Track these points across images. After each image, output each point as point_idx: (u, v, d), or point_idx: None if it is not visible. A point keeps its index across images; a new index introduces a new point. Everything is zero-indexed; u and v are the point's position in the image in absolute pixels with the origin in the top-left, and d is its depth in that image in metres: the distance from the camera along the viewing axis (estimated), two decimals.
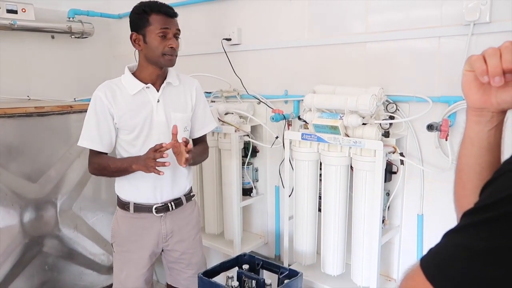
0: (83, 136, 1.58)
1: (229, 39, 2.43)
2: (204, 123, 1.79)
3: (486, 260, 0.49)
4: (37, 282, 2.11)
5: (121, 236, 1.71)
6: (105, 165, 1.59)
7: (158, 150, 1.45)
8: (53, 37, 2.87)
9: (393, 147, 1.76)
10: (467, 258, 0.51)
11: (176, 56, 1.60)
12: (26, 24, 2.60)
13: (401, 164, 1.81)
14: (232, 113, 2.32)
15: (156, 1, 1.55)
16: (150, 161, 1.46)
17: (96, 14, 2.95)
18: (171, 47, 1.54)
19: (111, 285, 1.77)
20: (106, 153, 1.62)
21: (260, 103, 2.35)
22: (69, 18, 2.84)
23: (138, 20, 1.55)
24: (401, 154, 1.77)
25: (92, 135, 1.57)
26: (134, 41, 1.58)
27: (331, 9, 2.06)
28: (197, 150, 1.71)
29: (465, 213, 0.57)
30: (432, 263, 0.55)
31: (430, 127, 1.61)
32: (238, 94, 2.43)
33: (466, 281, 0.50)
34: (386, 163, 1.78)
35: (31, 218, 2.07)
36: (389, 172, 1.87)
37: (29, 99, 2.71)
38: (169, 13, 1.55)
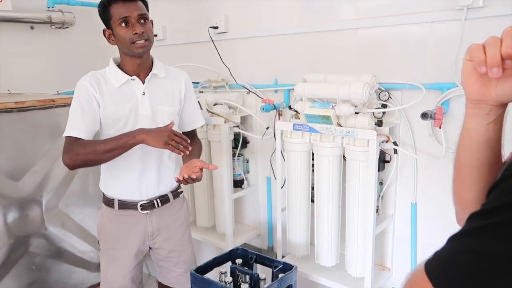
0: (68, 127, 1.47)
1: (216, 27, 2.36)
2: (196, 117, 1.73)
3: (493, 265, 0.47)
4: (24, 282, 2.05)
5: (106, 233, 1.67)
6: (91, 149, 1.41)
7: (176, 135, 1.39)
8: (32, 27, 2.75)
9: (387, 136, 1.73)
10: (473, 263, 0.48)
11: (148, 41, 1.49)
12: (3, 14, 2.49)
13: (394, 153, 1.78)
14: (221, 104, 2.26)
15: None
16: (170, 136, 1.36)
17: (77, 3, 2.84)
18: (135, 33, 1.45)
19: None
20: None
21: (249, 93, 2.30)
22: (49, 7, 2.72)
23: (103, 14, 1.49)
24: (395, 143, 1.74)
25: (77, 124, 1.46)
26: (108, 38, 1.52)
27: None
28: (194, 146, 1.63)
29: (471, 215, 0.54)
30: (437, 267, 0.52)
31: (424, 116, 1.58)
32: (227, 84, 2.37)
33: (472, 287, 0.48)
34: (379, 152, 1.75)
35: (16, 217, 2.00)
36: (382, 161, 1.84)
37: (10, 93, 2.61)
38: None
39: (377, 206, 1.82)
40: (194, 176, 1.43)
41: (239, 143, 2.33)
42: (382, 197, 1.88)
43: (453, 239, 0.54)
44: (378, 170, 1.75)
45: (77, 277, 2.27)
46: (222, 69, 2.33)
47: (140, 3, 1.49)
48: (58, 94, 2.80)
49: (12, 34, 2.65)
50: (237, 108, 2.28)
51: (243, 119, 2.31)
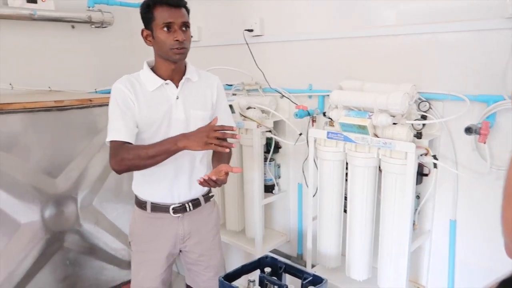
0: (110, 131, 1.47)
1: (251, 30, 2.34)
2: (226, 122, 1.71)
3: None
4: (59, 277, 2.12)
5: (138, 236, 1.68)
6: (135, 155, 1.40)
7: (216, 130, 1.35)
8: (73, 27, 2.83)
9: (426, 149, 1.66)
10: None
11: (186, 49, 1.49)
12: (46, 14, 2.56)
13: (434, 167, 1.70)
14: (254, 108, 2.24)
15: None
16: (211, 133, 1.33)
17: (115, 3, 2.89)
18: (177, 40, 1.44)
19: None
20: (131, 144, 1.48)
21: (283, 97, 2.26)
22: (89, 7, 2.78)
23: (145, 15, 1.47)
24: (434, 157, 1.66)
25: (118, 127, 1.46)
26: (145, 38, 1.51)
27: None
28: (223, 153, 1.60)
29: None
30: None
31: (468, 130, 1.50)
32: (260, 87, 2.34)
33: None
34: (418, 165, 1.67)
35: (52, 213, 2.06)
36: (420, 174, 1.77)
37: (50, 90, 2.70)
38: (173, 3, 1.44)
39: (414, 221, 1.75)
40: (214, 178, 1.39)
41: (271, 148, 2.30)
42: (419, 212, 1.81)
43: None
44: (416, 184, 1.68)
45: (109, 274, 2.32)
46: (256, 72, 2.30)
47: (184, 10, 1.48)
48: (96, 92, 2.87)
49: (54, 33, 2.73)
50: (270, 112, 2.25)
51: (276, 124, 2.28)
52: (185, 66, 1.59)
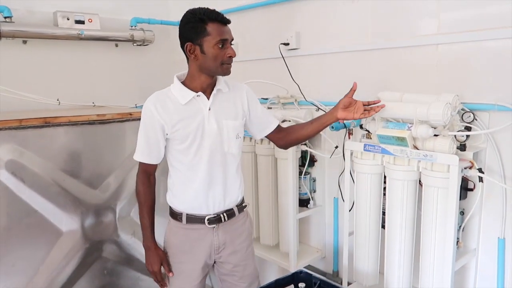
0: (136, 149, 1.61)
1: (287, 44, 2.35)
2: (267, 121, 1.74)
3: None
4: (96, 285, 2.17)
5: (173, 247, 1.70)
6: (139, 205, 1.69)
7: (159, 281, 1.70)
8: (116, 45, 2.96)
9: (470, 161, 1.58)
10: None
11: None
12: (92, 33, 2.70)
13: (479, 181, 1.61)
14: (289, 121, 2.22)
15: (210, 9, 1.49)
16: (153, 274, 1.69)
17: (156, 22, 3.01)
18: (230, 56, 1.50)
19: None
20: (154, 170, 1.68)
21: (318, 110, 2.24)
22: (132, 26, 2.92)
23: (194, 29, 1.48)
24: (480, 170, 1.57)
25: (142, 149, 1.59)
26: (189, 51, 1.52)
27: (397, 8, 1.90)
28: (295, 126, 1.76)
29: None
30: None
31: None
32: (296, 100, 2.33)
33: None
34: (462, 179, 1.59)
35: (92, 223, 2.12)
36: (464, 188, 1.68)
37: (94, 106, 2.82)
38: (225, 20, 1.50)
39: (458, 239, 1.66)
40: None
41: (306, 161, 2.27)
42: (463, 229, 1.70)
43: None
44: (460, 199, 1.59)
45: (144, 285, 2.34)
46: (292, 85, 2.30)
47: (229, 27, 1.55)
48: (136, 107, 2.97)
49: (99, 51, 2.87)
50: None
51: None
52: (216, 78, 1.61)
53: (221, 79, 1.62)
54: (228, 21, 1.51)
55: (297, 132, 1.71)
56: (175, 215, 1.67)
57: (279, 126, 1.76)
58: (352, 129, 2.07)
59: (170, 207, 1.69)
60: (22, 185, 1.90)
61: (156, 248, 1.67)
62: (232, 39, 1.52)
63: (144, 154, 1.59)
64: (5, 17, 2.37)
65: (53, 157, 2.00)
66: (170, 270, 1.67)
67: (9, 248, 1.89)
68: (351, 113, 1.58)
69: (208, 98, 1.57)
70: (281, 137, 1.74)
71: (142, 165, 1.63)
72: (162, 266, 1.67)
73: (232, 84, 1.66)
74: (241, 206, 1.71)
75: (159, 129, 1.54)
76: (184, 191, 1.63)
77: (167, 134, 1.55)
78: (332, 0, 2.15)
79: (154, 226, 1.69)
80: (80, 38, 2.65)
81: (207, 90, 1.57)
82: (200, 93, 1.55)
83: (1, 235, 1.87)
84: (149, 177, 1.66)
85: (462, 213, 1.70)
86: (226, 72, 1.53)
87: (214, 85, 1.59)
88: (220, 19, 1.47)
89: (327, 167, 2.30)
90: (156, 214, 2.36)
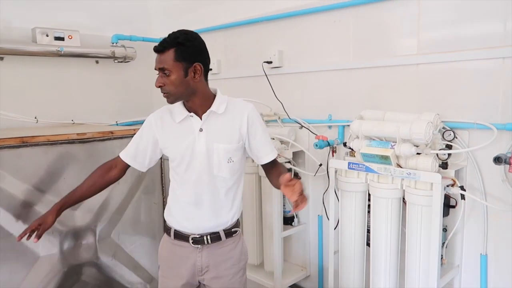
0: (125, 149, 1.62)
1: (270, 62, 2.37)
2: (264, 151, 1.61)
3: None
4: None
5: (162, 261, 1.70)
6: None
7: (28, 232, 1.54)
8: (97, 62, 2.92)
9: (452, 179, 1.60)
10: None
11: None
12: (72, 50, 2.66)
13: (461, 198, 1.63)
14: (273, 138, 2.22)
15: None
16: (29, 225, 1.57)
17: (138, 39, 2.99)
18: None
19: None
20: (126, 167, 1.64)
21: (302, 128, 2.25)
22: (113, 43, 2.88)
23: (205, 51, 1.50)
24: (462, 188, 1.60)
25: (129, 150, 1.61)
26: (196, 72, 1.47)
27: (378, 29, 1.94)
28: (278, 169, 1.61)
29: None
30: None
31: (497, 160, 1.44)
32: (279, 118, 2.34)
33: None
34: (444, 196, 1.61)
35: (71, 246, 2.04)
36: (447, 205, 1.70)
37: (73, 123, 2.76)
38: (156, 48, 1.47)
39: (441, 255, 1.67)
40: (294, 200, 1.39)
41: None
42: (446, 246, 1.72)
43: None
44: (443, 216, 1.61)
45: None
46: (275, 103, 2.31)
47: None
48: (117, 124, 2.92)
49: (79, 68, 2.83)
50: (289, 143, 2.24)
51: (295, 154, 2.25)
52: (214, 98, 1.58)
53: (218, 100, 1.56)
54: (158, 50, 1.45)
55: (274, 179, 1.62)
56: (166, 229, 1.66)
57: (274, 160, 1.64)
58: (335, 147, 2.08)
59: (164, 220, 1.67)
60: None
61: (51, 212, 1.59)
62: (161, 69, 1.45)
63: (129, 155, 1.60)
64: None
65: (30, 178, 1.93)
66: (34, 237, 1.56)
67: None
68: (289, 193, 1.43)
69: (201, 119, 1.55)
70: (270, 172, 1.67)
71: (117, 159, 1.64)
72: (38, 227, 1.56)
73: (234, 105, 1.58)
74: (229, 231, 1.65)
75: (151, 141, 1.57)
76: (174, 207, 1.62)
77: (161, 149, 1.58)
78: (314, 20, 2.18)
79: (72, 200, 1.65)
80: (59, 54, 2.61)
81: (201, 111, 1.55)
82: (192, 113, 1.54)
83: None
84: (111, 168, 1.65)
85: (445, 229, 1.72)
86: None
87: (210, 106, 1.56)
88: (154, 47, 1.46)
89: (311, 185, 2.30)
90: (138, 233, 2.32)
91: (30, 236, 1.55)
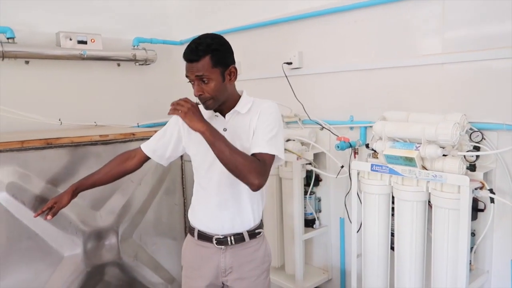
0: (147, 141, 1.66)
1: (290, 63, 2.35)
2: (255, 142, 1.49)
3: None
4: None
5: (186, 261, 1.70)
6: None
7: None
8: (119, 64, 2.96)
9: (481, 182, 1.55)
10: None
11: None
12: (94, 53, 2.70)
13: (490, 202, 1.58)
14: (294, 140, 2.21)
15: (190, 44, 1.49)
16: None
17: (158, 42, 3.02)
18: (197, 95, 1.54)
19: None
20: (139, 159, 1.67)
21: (323, 129, 2.22)
22: (134, 46, 2.92)
23: (232, 53, 1.51)
24: (491, 191, 1.54)
25: (151, 143, 1.65)
26: (230, 74, 1.49)
27: (400, 28, 1.90)
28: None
29: None
30: None
31: None
32: (300, 119, 2.32)
33: None
34: (472, 199, 1.56)
35: (94, 246, 2.08)
36: (475, 209, 1.65)
37: (96, 125, 2.80)
38: (188, 58, 1.47)
39: (470, 260, 1.62)
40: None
41: (312, 181, 2.25)
42: (475, 251, 1.67)
43: None
44: (471, 220, 1.56)
45: None
46: (295, 104, 2.29)
47: None
48: (138, 126, 2.96)
49: (101, 71, 2.87)
50: (310, 144, 2.21)
51: (316, 156, 2.23)
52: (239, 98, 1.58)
53: (243, 100, 1.57)
54: (193, 59, 1.43)
55: None
56: (190, 229, 1.66)
57: (258, 155, 1.49)
58: (357, 148, 2.05)
59: (187, 221, 1.68)
60: (23, 207, 1.86)
61: (67, 192, 1.66)
62: (198, 77, 1.43)
63: (149, 147, 1.64)
64: (7, 38, 2.37)
65: (54, 178, 1.97)
66: (48, 214, 1.63)
67: (9, 272, 1.85)
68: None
69: (225, 118, 1.55)
70: None
71: (137, 149, 1.67)
72: (54, 205, 1.63)
73: (258, 104, 1.57)
74: (253, 232, 1.65)
75: (175, 136, 1.61)
76: (198, 208, 1.63)
77: (183, 147, 1.61)
78: (334, 20, 2.16)
79: (88, 183, 1.70)
80: (82, 58, 2.65)
81: (226, 111, 1.55)
82: (217, 113, 1.55)
83: (1, 258, 1.82)
84: (129, 158, 1.68)
85: (473, 234, 1.67)
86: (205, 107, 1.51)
87: (235, 105, 1.55)
88: (184, 56, 1.44)
89: (332, 187, 2.27)
90: (159, 234, 2.34)
91: (47, 214, 1.62)
